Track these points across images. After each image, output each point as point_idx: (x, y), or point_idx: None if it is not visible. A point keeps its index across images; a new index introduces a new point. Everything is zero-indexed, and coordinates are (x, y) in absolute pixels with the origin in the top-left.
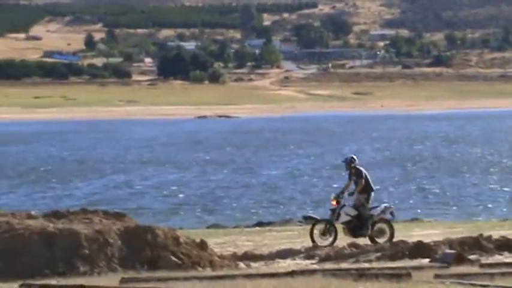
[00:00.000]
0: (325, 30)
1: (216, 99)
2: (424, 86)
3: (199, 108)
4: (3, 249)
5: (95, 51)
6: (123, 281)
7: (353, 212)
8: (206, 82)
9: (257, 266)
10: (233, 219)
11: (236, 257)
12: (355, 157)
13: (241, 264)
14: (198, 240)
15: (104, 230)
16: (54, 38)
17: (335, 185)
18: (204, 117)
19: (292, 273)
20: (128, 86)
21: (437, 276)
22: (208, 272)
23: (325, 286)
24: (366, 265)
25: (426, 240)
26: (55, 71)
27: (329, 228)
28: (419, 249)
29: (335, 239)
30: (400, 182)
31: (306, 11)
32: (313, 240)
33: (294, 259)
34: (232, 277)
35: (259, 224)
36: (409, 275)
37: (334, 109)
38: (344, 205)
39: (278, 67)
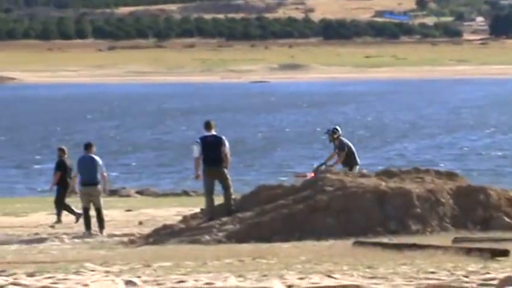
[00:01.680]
0: None
1: None
2: None
3: None
4: (336, 207)
5: (426, 11)
6: (455, 240)
7: None
8: None
9: None
10: None
11: None
12: (338, 128)
13: None
14: None
15: (435, 190)
16: None
17: None
18: None
19: None
20: (458, 45)
21: None
22: None
23: None
24: None
25: None
26: (386, 30)
27: None
28: None
29: None
30: None
31: None
32: None
33: None
34: None
35: None
36: None
37: None
38: None
39: None
